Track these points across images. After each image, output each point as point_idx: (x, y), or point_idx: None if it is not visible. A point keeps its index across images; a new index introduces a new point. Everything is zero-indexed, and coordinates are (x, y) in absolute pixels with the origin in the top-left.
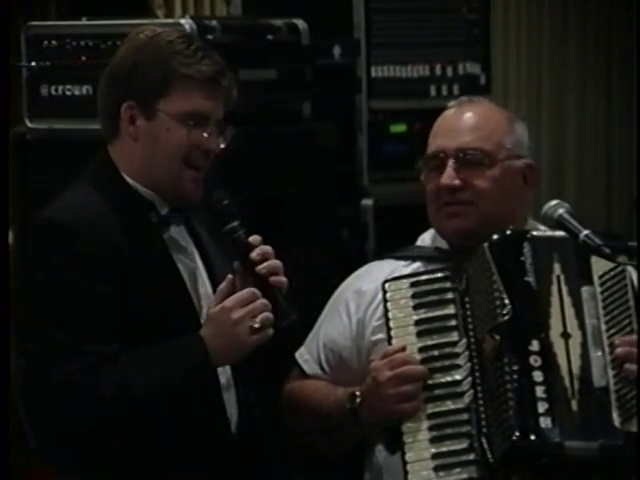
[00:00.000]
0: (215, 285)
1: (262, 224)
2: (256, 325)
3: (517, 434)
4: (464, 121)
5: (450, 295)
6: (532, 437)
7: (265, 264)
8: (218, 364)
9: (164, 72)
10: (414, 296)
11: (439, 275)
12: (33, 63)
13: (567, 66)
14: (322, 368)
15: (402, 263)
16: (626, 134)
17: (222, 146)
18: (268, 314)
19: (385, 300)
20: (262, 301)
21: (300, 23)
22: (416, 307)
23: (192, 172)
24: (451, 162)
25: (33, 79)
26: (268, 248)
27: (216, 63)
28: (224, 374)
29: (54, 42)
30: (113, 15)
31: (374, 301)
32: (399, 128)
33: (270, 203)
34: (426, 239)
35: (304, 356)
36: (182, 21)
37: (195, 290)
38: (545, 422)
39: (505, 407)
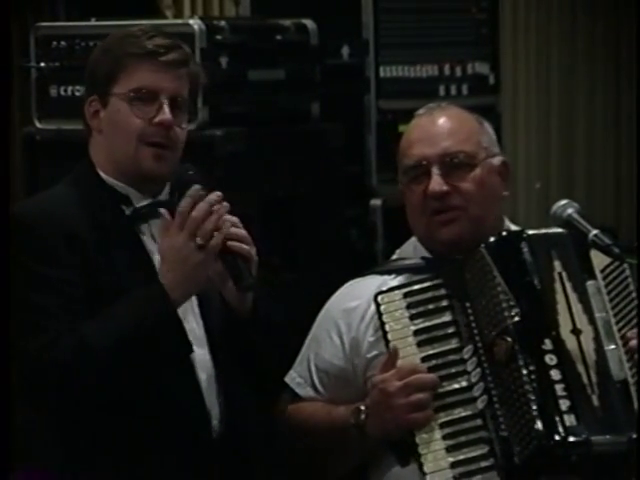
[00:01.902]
0: None
1: (270, 224)
2: (199, 241)
3: (543, 435)
4: (440, 127)
5: (445, 302)
6: (559, 436)
7: (211, 220)
8: (179, 296)
9: (114, 58)
10: (409, 306)
11: (431, 283)
12: (42, 64)
13: (576, 65)
14: (316, 390)
15: (388, 277)
16: (635, 133)
17: (184, 125)
18: (207, 225)
19: (380, 313)
20: (195, 214)
21: (309, 23)
22: (412, 317)
23: (151, 149)
24: (436, 169)
25: (42, 80)
26: (228, 215)
27: (163, 39)
28: (206, 378)
29: (63, 43)
30: (122, 16)
31: (365, 317)
32: None
33: (278, 203)
34: (405, 251)
35: (296, 379)
36: (191, 21)
37: None
38: (570, 420)
39: (527, 408)
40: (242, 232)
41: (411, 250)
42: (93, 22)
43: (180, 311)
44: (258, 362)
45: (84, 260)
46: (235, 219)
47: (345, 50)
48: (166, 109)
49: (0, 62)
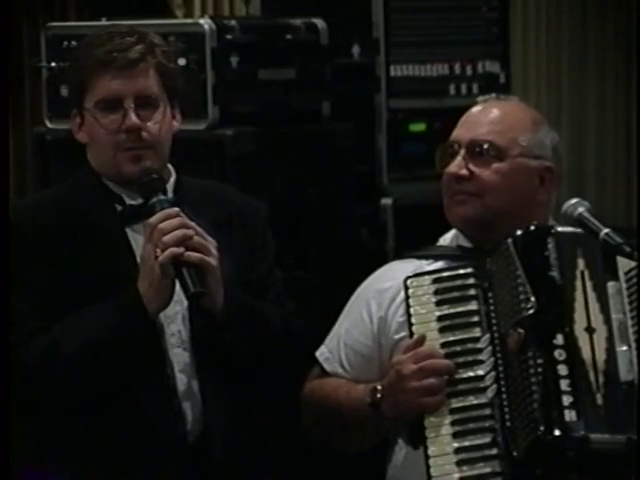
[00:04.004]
0: None
1: (281, 224)
2: (157, 253)
3: (542, 428)
4: (484, 115)
5: (473, 291)
6: (557, 431)
7: (171, 234)
8: (153, 306)
9: (76, 72)
10: (436, 292)
11: (461, 271)
12: (53, 64)
13: (587, 64)
14: (343, 367)
15: (425, 262)
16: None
17: (150, 123)
18: (166, 238)
19: (407, 296)
20: (161, 227)
21: (319, 22)
22: (438, 303)
23: (128, 153)
24: (462, 152)
25: (53, 80)
26: (180, 220)
27: (116, 42)
28: (186, 381)
29: (74, 42)
30: (133, 15)
31: (396, 299)
32: (418, 127)
33: (289, 203)
34: (447, 239)
35: (325, 354)
36: (201, 21)
37: None
38: (570, 415)
39: (529, 400)
40: (201, 241)
41: (452, 237)
42: (104, 22)
43: (169, 313)
44: (233, 363)
45: (61, 257)
46: (199, 230)
47: (355, 49)
48: (131, 113)
49: (1, 62)
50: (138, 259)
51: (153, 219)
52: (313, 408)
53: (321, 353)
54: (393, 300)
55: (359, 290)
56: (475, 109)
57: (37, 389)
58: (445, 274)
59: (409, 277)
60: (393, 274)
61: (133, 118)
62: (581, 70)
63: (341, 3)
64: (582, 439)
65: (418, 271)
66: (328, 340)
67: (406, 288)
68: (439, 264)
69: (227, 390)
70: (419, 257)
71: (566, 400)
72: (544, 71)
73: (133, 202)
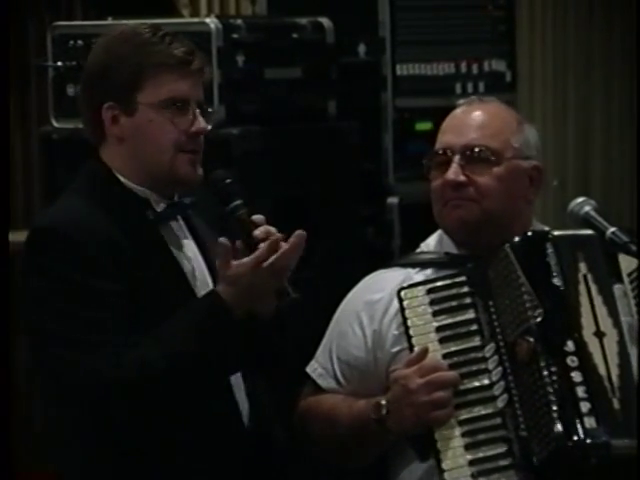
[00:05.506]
0: (215, 279)
1: (287, 223)
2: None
3: (563, 436)
4: (472, 119)
5: (469, 300)
6: (578, 438)
7: (286, 265)
8: (239, 313)
9: (135, 65)
10: (432, 303)
11: (456, 280)
12: (59, 63)
13: (593, 62)
14: (338, 382)
15: (412, 270)
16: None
17: (209, 127)
18: (282, 263)
19: (402, 308)
20: (281, 259)
21: (325, 21)
22: (435, 314)
23: (187, 156)
24: (457, 158)
25: (59, 79)
26: (271, 228)
27: (184, 45)
28: (234, 377)
29: (80, 42)
30: (139, 15)
31: (389, 311)
32: (424, 126)
33: (295, 202)
34: (430, 244)
35: (317, 370)
36: (207, 20)
37: (194, 285)
38: (589, 422)
39: (547, 409)
40: (290, 249)
41: (436, 243)
42: (110, 21)
43: None
44: (275, 360)
45: (124, 270)
46: (272, 228)
47: (361, 48)
48: (200, 118)
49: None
50: (181, 261)
51: (264, 250)
52: (311, 425)
53: (313, 369)
54: (386, 312)
55: (346, 302)
56: (459, 113)
57: (134, 404)
58: (439, 284)
59: (403, 288)
60: (381, 284)
61: (203, 122)
62: (587, 69)
63: (347, 2)
64: (603, 445)
65: (408, 280)
66: (318, 355)
67: (400, 300)
68: (427, 272)
69: (271, 385)
70: (404, 265)
71: (584, 407)
72: (550, 70)
73: (163, 205)
